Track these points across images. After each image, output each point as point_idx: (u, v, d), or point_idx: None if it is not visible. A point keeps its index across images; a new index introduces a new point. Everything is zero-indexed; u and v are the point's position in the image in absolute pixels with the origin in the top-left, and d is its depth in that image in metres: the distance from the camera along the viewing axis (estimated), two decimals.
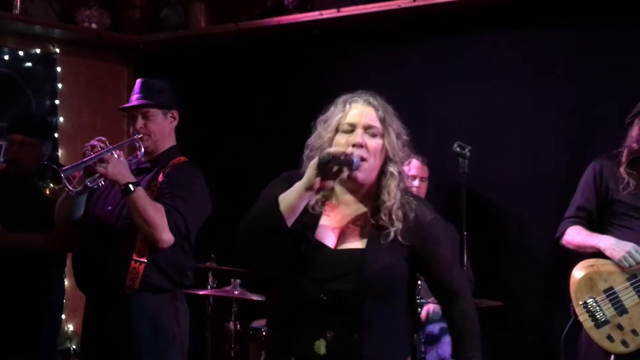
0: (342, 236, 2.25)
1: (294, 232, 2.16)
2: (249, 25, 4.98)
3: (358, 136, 2.20)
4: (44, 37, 5.23)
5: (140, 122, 3.16)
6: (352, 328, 2.16)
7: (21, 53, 5.13)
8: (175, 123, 3.27)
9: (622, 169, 3.25)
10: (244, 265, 3.85)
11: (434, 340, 3.82)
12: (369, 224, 2.24)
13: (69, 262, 3.58)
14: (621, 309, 3.13)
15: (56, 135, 5.10)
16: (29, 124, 3.80)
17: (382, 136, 2.23)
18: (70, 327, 4.99)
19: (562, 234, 3.34)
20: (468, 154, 3.49)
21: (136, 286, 2.97)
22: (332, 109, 2.29)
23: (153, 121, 3.17)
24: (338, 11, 4.59)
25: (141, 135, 3.14)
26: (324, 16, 4.64)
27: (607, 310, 3.14)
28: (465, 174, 3.47)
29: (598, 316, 3.14)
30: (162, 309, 3.05)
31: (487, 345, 4.00)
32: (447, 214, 4.09)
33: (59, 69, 5.31)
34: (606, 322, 3.13)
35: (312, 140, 2.28)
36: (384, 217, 2.22)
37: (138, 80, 3.27)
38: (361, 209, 2.28)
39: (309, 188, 2.12)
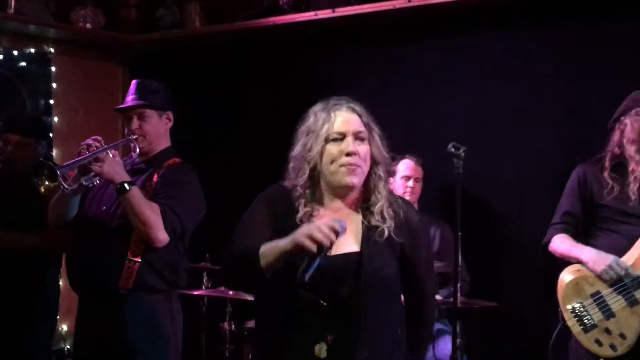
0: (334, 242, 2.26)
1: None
2: (244, 26, 4.97)
3: (350, 144, 2.22)
4: (38, 37, 5.21)
5: (135, 122, 3.16)
6: (352, 330, 2.18)
7: (15, 53, 5.12)
8: (170, 124, 3.27)
9: (605, 174, 3.26)
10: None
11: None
12: (361, 226, 2.27)
13: (63, 263, 3.58)
14: (608, 313, 3.14)
15: (51, 135, 5.08)
16: (25, 124, 3.78)
17: (368, 141, 2.27)
18: (65, 328, 4.98)
19: (549, 241, 3.36)
20: (463, 154, 3.49)
21: (130, 286, 2.97)
22: (312, 118, 2.29)
23: (148, 122, 3.17)
24: (333, 11, 4.59)
25: (136, 136, 3.14)
26: (319, 16, 4.64)
27: (595, 315, 3.14)
28: (459, 175, 3.47)
29: (586, 321, 3.14)
30: (156, 309, 3.04)
31: (482, 345, 4.04)
32: (442, 215, 4.15)
33: (53, 68, 5.29)
34: (594, 326, 3.13)
35: (299, 152, 2.28)
36: (376, 217, 2.25)
37: (133, 81, 3.27)
38: (350, 213, 2.30)
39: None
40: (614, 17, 3.97)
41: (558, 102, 4.11)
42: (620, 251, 3.17)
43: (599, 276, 3.14)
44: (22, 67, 5.14)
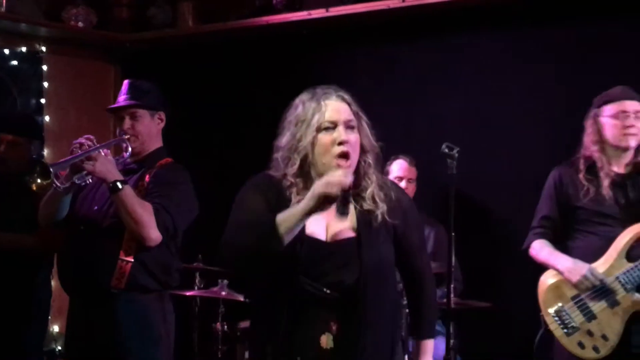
0: (330, 227, 2.27)
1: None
2: (236, 25, 4.97)
3: (342, 133, 2.22)
4: (30, 35, 5.19)
5: (127, 122, 3.15)
6: (355, 316, 2.19)
7: (7, 51, 5.09)
8: (162, 125, 3.26)
9: (580, 176, 3.27)
10: (234, 273, 3.84)
11: None
12: (354, 212, 2.27)
13: (55, 263, 3.56)
14: (589, 315, 3.15)
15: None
16: (18, 123, 3.78)
17: (358, 129, 2.28)
18: (56, 328, 4.96)
19: (528, 246, 3.37)
20: (456, 155, 3.49)
21: (122, 286, 2.96)
22: (300, 107, 2.29)
23: (141, 122, 3.16)
24: (327, 11, 4.59)
25: (128, 136, 3.13)
26: (313, 16, 4.64)
27: (576, 317, 3.16)
28: (453, 175, 3.47)
29: (568, 324, 3.16)
30: (148, 309, 3.03)
31: (476, 345, 4.04)
32: (436, 215, 4.15)
33: (45, 67, 5.27)
34: (576, 329, 3.15)
35: (288, 142, 2.28)
36: (368, 202, 2.26)
37: (125, 81, 3.26)
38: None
39: (310, 214, 2.14)
40: (612, 16, 3.99)
41: (553, 102, 4.12)
42: (598, 252, 3.19)
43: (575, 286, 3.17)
44: (14, 66, 5.12)
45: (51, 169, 2.84)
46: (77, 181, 2.95)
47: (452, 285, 3.48)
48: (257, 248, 2.16)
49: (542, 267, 3.32)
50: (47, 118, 5.24)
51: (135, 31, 5.45)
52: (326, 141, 2.23)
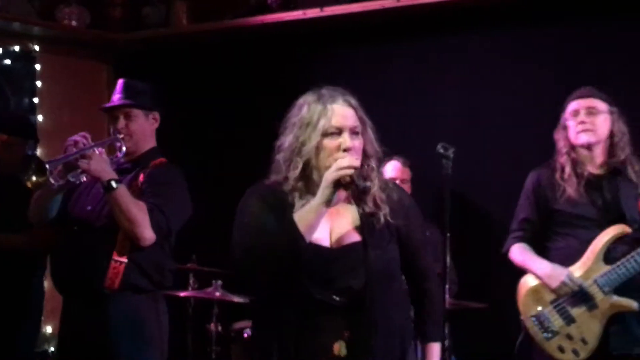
0: (333, 232, 2.25)
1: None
2: (231, 24, 4.96)
3: (348, 141, 2.21)
4: (23, 34, 5.17)
5: (122, 122, 3.14)
6: (366, 321, 2.16)
7: (0, 50, 5.06)
8: (156, 125, 3.26)
9: (557, 178, 3.29)
10: (247, 290, 3.82)
11: None
12: (357, 214, 2.26)
13: (47, 263, 3.54)
14: (569, 319, 3.17)
15: None
16: (12, 123, 3.78)
17: (362, 134, 2.26)
18: (49, 329, 4.93)
19: (508, 250, 3.39)
20: (452, 155, 3.48)
21: (116, 286, 2.95)
22: (305, 109, 2.26)
23: (135, 121, 3.15)
24: (321, 10, 4.58)
25: (122, 135, 3.13)
26: (308, 15, 4.63)
27: (556, 321, 3.18)
28: (448, 176, 3.47)
29: (547, 328, 3.18)
30: (142, 310, 3.03)
31: (471, 346, 4.03)
32: (431, 217, 4.13)
33: (38, 66, 5.25)
34: (556, 333, 3.17)
35: (291, 144, 2.25)
36: (370, 204, 2.24)
37: (120, 80, 3.25)
38: (345, 204, 2.29)
39: (326, 204, 2.15)
40: (603, 18, 4.00)
41: (550, 102, 4.10)
42: (576, 254, 3.21)
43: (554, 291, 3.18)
44: (6, 65, 5.11)
45: (47, 166, 2.84)
46: (71, 179, 2.94)
47: (447, 286, 3.48)
48: (280, 249, 2.14)
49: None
50: (40, 118, 5.22)
51: (129, 30, 5.43)
52: (331, 147, 2.21)
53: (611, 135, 3.27)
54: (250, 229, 2.22)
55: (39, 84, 5.25)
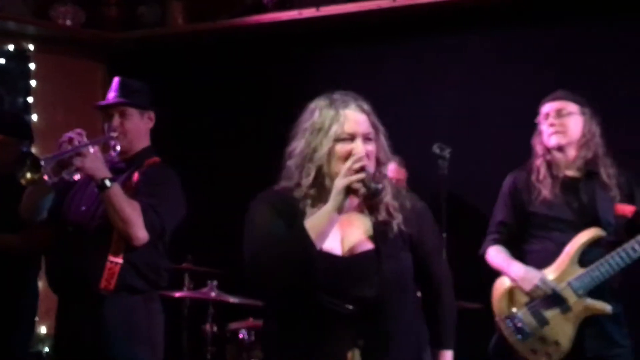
0: (345, 241, 2.22)
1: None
2: (227, 24, 4.95)
3: (360, 147, 2.17)
4: (17, 34, 5.16)
5: (117, 120, 3.13)
6: (381, 330, 2.14)
7: None
8: (151, 124, 3.24)
9: (534, 181, 3.29)
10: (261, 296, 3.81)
11: None
12: (370, 223, 2.23)
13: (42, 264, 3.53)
14: (542, 321, 3.18)
15: None
16: (7, 123, 3.75)
17: (374, 141, 2.23)
18: (43, 330, 4.92)
19: (484, 253, 3.40)
20: (448, 155, 3.49)
21: (111, 287, 2.94)
22: (317, 114, 2.23)
23: (130, 120, 3.14)
24: (317, 10, 4.58)
25: (117, 134, 3.11)
26: (304, 15, 4.62)
27: (530, 323, 3.19)
28: (445, 176, 3.47)
29: (521, 329, 3.19)
30: (137, 310, 3.02)
31: (467, 346, 4.03)
32: None
33: (32, 66, 5.24)
34: (529, 334, 3.19)
35: (302, 150, 2.21)
36: (382, 213, 2.22)
37: (116, 78, 3.24)
38: (357, 212, 2.26)
39: (339, 210, 2.11)
40: (599, 19, 4.01)
41: None
42: (552, 257, 3.22)
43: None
44: (1, 64, 5.09)
45: (42, 162, 2.82)
46: (65, 176, 2.92)
47: None
48: (293, 257, 2.10)
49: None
50: (34, 117, 5.20)
51: (124, 30, 5.41)
52: (343, 153, 2.17)
53: (583, 135, 3.28)
54: (260, 237, 2.17)
55: (33, 83, 5.23)
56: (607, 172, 3.24)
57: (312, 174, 2.19)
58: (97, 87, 5.51)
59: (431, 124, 4.40)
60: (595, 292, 3.15)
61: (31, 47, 5.23)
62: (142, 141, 3.20)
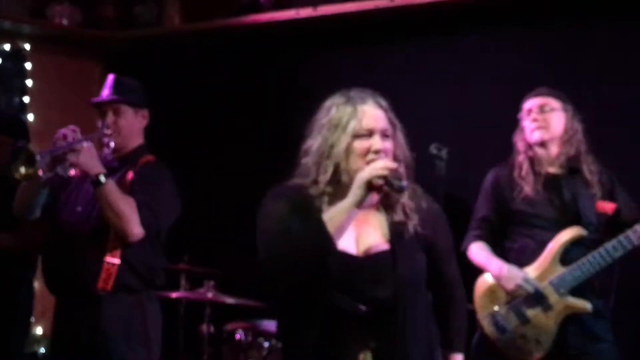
0: (360, 240, 2.20)
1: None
2: (224, 24, 4.94)
3: (379, 143, 2.16)
4: (13, 33, 5.14)
5: (111, 117, 3.13)
6: (393, 331, 2.12)
7: None
8: (145, 123, 3.25)
9: (516, 177, 3.30)
10: (272, 297, 3.79)
11: None
12: (385, 222, 2.21)
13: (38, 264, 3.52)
14: (524, 319, 3.19)
15: None
16: (3, 123, 3.76)
17: (392, 137, 2.22)
18: (39, 331, 4.90)
19: (466, 249, 3.40)
20: (445, 156, 3.48)
21: (109, 288, 2.95)
22: (334, 111, 2.20)
23: (124, 118, 3.15)
24: (315, 10, 4.57)
25: (110, 131, 3.11)
26: (301, 15, 4.62)
27: (511, 321, 3.20)
28: (442, 176, 3.46)
29: (503, 327, 3.20)
30: (134, 310, 3.03)
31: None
32: None
33: (28, 65, 5.22)
34: (511, 332, 3.19)
35: (319, 146, 2.19)
36: (399, 213, 2.20)
37: (110, 76, 3.24)
38: (373, 210, 2.24)
39: (358, 205, 2.09)
40: (596, 18, 4.00)
41: None
42: (533, 254, 3.23)
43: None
44: None
45: (37, 157, 2.82)
46: (60, 172, 2.92)
47: None
48: (308, 250, 2.08)
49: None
50: (30, 116, 5.19)
51: (120, 29, 5.40)
52: (361, 149, 2.15)
53: (566, 132, 3.28)
54: (276, 231, 2.14)
55: (29, 82, 5.21)
56: (589, 169, 3.26)
57: (330, 170, 2.16)
58: (93, 86, 5.47)
59: (428, 124, 4.39)
60: (576, 289, 3.17)
61: (27, 46, 5.22)
62: (136, 139, 3.21)
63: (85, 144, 2.92)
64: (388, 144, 2.19)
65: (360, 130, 2.16)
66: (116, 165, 3.14)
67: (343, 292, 2.11)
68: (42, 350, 4.88)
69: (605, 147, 3.56)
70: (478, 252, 3.34)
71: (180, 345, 4.34)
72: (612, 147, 3.76)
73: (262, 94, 4.93)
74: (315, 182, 2.18)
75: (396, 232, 2.19)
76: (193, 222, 3.29)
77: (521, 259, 3.24)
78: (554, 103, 3.30)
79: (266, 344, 3.94)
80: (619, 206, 3.22)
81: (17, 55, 5.19)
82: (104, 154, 3.10)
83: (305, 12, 4.61)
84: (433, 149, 3.48)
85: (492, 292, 3.26)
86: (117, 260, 2.95)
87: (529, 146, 3.32)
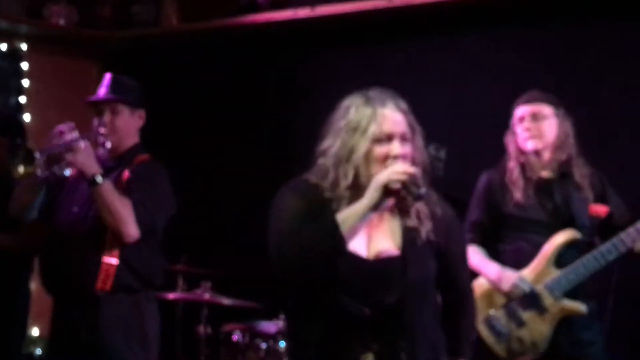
0: (371, 244, 2.17)
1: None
2: (221, 24, 4.94)
3: (398, 148, 2.12)
4: (10, 33, 5.14)
5: (107, 116, 3.12)
6: (397, 336, 2.11)
7: None
8: (141, 123, 3.23)
9: (507, 181, 3.29)
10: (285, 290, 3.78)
11: None
12: (398, 227, 2.18)
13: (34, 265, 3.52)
14: (519, 322, 3.19)
15: None
16: (1, 123, 3.72)
17: (411, 141, 2.18)
18: (35, 332, 4.89)
19: None
20: (444, 156, 3.47)
21: (108, 288, 2.94)
22: (352, 112, 2.16)
23: (120, 117, 3.13)
24: (312, 10, 4.57)
25: (107, 130, 3.09)
26: (299, 15, 4.62)
27: (507, 324, 3.20)
28: (440, 177, 3.44)
29: (498, 331, 3.20)
30: (133, 311, 3.02)
31: None
32: None
33: (25, 65, 5.22)
34: (506, 335, 3.19)
35: (338, 149, 2.15)
36: (413, 218, 2.17)
37: (107, 74, 3.23)
38: (388, 214, 2.21)
39: (373, 208, 2.07)
40: (595, 19, 4.00)
41: None
42: (527, 258, 3.22)
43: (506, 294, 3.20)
44: None
45: (36, 155, 2.80)
46: (56, 171, 2.91)
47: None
48: (319, 250, 2.06)
49: None
50: (27, 117, 5.18)
51: (118, 29, 5.40)
52: (381, 155, 2.11)
53: (558, 138, 3.28)
54: (290, 226, 2.11)
55: (26, 82, 5.21)
56: (581, 172, 3.25)
57: (351, 175, 2.13)
58: (90, 87, 5.43)
59: (427, 124, 4.37)
60: (572, 293, 3.17)
61: (24, 46, 5.22)
62: (132, 138, 3.19)
63: (82, 143, 2.90)
64: (407, 148, 2.14)
65: (380, 135, 2.11)
66: (112, 164, 3.12)
67: (350, 293, 2.09)
68: (38, 351, 4.88)
69: (605, 147, 3.56)
70: (472, 255, 3.30)
71: (177, 346, 4.33)
72: (612, 148, 3.76)
73: (260, 94, 4.93)
74: (334, 185, 2.15)
75: (408, 237, 2.16)
76: (191, 223, 3.28)
77: (515, 262, 3.23)
78: (546, 110, 3.28)
79: (263, 345, 3.94)
80: (612, 209, 3.21)
81: (14, 55, 5.19)
82: (100, 154, 3.08)
83: (303, 12, 4.61)
84: (432, 150, 3.47)
85: (487, 296, 3.25)
86: (115, 261, 2.94)
87: (521, 152, 3.30)
